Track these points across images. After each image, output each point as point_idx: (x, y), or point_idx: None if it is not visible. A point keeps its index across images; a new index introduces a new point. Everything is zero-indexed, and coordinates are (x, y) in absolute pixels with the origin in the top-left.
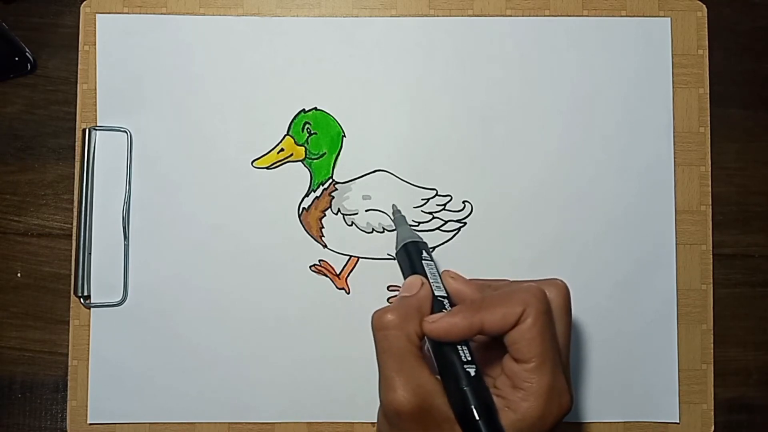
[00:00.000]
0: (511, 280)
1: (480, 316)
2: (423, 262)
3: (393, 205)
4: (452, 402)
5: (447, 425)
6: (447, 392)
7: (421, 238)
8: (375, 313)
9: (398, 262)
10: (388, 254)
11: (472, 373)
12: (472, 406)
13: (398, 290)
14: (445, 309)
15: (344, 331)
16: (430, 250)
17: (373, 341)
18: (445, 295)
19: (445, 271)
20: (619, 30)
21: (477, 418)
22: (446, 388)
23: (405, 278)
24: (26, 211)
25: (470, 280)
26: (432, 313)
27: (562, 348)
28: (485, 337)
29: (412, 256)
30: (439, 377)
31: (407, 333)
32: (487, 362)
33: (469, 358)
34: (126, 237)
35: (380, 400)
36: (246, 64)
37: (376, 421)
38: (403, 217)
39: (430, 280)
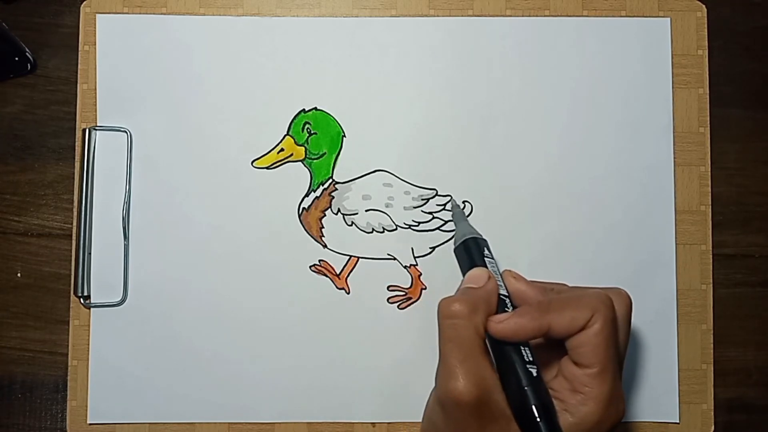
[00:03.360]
0: (565, 284)
1: (548, 318)
2: (485, 259)
3: (452, 200)
4: (511, 400)
5: (503, 421)
6: (506, 390)
7: (482, 235)
8: (443, 301)
9: (457, 257)
10: (388, 254)
11: (534, 374)
12: (533, 406)
13: (398, 290)
14: (507, 308)
15: (344, 331)
16: (489, 247)
17: (438, 329)
18: (507, 294)
19: (506, 270)
20: (619, 30)
21: (538, 418)
22: (505, 385)
23: (464, 273)
24: (26, 211)
25: (531, 281)
26: (497, 310)
27: (621, 356)
28: (543, 338)
29: (472, 252)
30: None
31: (475, 324)
32: (543, 363)
33: (531, 359)
34: (126, 237)
35: (438, 388)
36: (246, 64)
37: (371, 422)
38: (463, 212)
39: None
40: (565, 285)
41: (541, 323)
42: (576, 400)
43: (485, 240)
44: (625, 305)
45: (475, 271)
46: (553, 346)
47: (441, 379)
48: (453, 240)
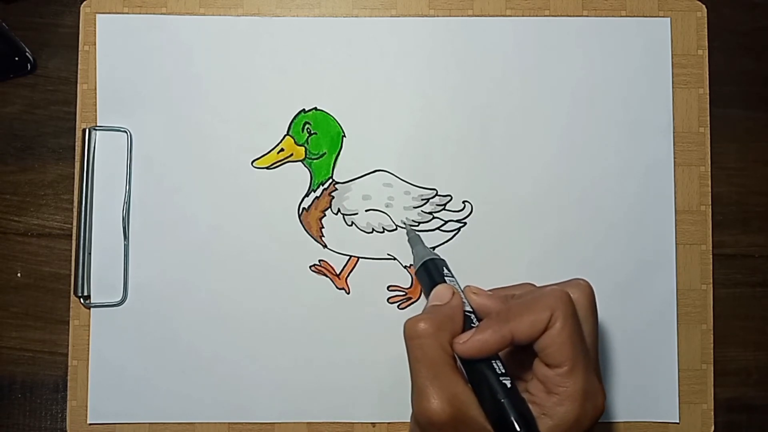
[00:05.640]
0: (531, 283)
1: (509, 328)
2: (446, 278)
3: (407, 225)
4: (489, 414)
5: None
6: (482, 404)
7: (439, 256)
8: (408, 321)
9: (419, 279)
10: (388, 254)
11: (508, 385)
12: (512, 419)
13: (398, 290)
14: (473, 324)
15: (344, 331)
16: (448, 266)
17: (406, 350)
18: (471, 310)
19: (466, 287)
20: (619, 30)
21: (518, 429)
22: (481, 400)
23: (427, 293)
24: (26, 211)
25: (492, 291)
26: (463, 325)
27: (591, 348)
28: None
29: (432, 272)
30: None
31: (441, 342)
32: (517, 367)
33: (503, 370)
34: (126, 237)
35: (413, 409)
36: (246, 64)
37: (371, 422)
38: (418, 236)
39: None
40: (530, 285)
41: (503, 334)
42: (552, 402)
43: (443, 260)
44: (585, 295)
45: (439, 288)
46: (526, 351)
47: (415, 401)
48: (413, 264)
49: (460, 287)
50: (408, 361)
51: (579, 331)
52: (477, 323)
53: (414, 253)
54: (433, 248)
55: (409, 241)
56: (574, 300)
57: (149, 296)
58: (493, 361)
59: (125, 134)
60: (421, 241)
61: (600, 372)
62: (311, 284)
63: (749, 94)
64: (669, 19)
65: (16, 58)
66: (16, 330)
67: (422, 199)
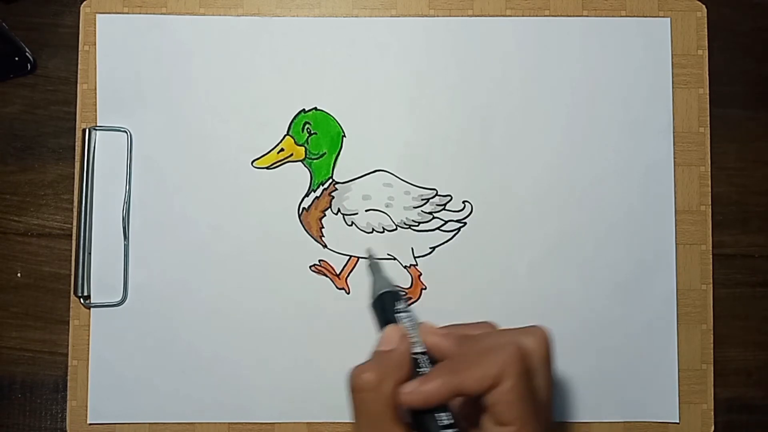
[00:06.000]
0: (492, 325)
1: (457, 380)
2: (398, 314)
3: (368, 251)
4: None
5: None
6: None
7: (398, 287)
8: (352, 370)
9: (373, 313)
10: (388, 254)
11: None
12: None
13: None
14: (420, 368)
15: (344, 331)
16: (404, 298)
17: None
18: (423, 350)
19: (421, 324)
20: (619, 30)
21: None
22: None
23: (380, 330)
24: (26, 211)
25: (447, 329)
26: (411, 370)
27: (544, 403)
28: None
29: (387, 307)
30: None
31: (385, 395)
32: (473, 419)
33: (450, 422)
34: (126, 237)
35: None
36: (246, 64)
37: None
38: (378, 264)
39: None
40: (489, 325)
41: (450, 387)
42: None
43: (400, 293)
44: (541, 346)
45: (387, 331)
46: (479, 401)
47: None
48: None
49: (415, 322)
50: (352, 411)
51: (531, 389)
52: (427, 366)
53: (372, 282)
54: (433, 248)
55: (369, 267)
56: (529, 350)
57: (149, 296)
58: (438, 413)
59: (125, 134)
60: (381, 269)
61: (551, 420)
62: (311, 284)
63: (749, 94)
64: (669, 19)
65: (16, 58)
66: (16, 330)
67: (422, 199)
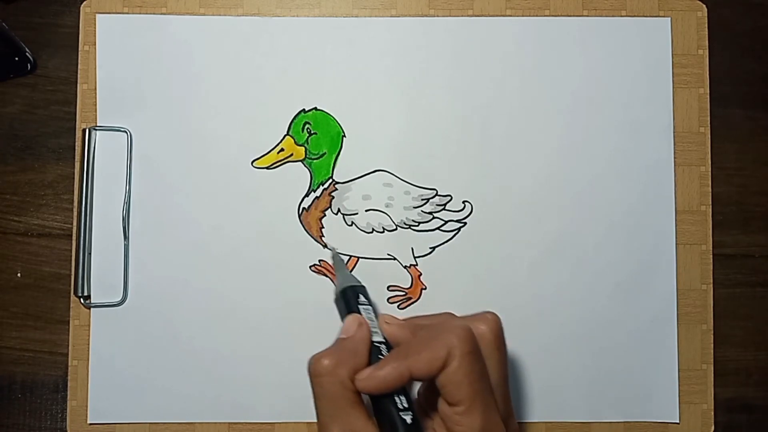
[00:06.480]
0: (450, 313)
1: (407, 364)
2: (360, 306)
3: (332, 248)
4: None
5: None
6: None
7: (360, 282)
8: (312, 358)
9: (337, 307)
10: (388, 254)
11: (408, 421)
12: None
13: (398, 290)
14: (381, 355)
15: None
16: (368, 293)
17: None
18: (383, 340)
19: (381, 315)
20: (619, 30)
21: None
22: None
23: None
24: (26, 211)
25: (406, 320)
26: (369, 357)
27: (497, 383)
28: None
29: (350, 301)
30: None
31: (341, 379)
32: (433, 403)
33: (406, 405)
34: (126, 237)
35: None
36: (246, 64)
37: None
38: (342, 260)
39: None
40: (448, 315)
41: (401, 371)
42: None
43: (363, 287)
44: (491, 330)
45: (348, 320)
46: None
47: None
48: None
49: (375, 315)
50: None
51: (479, 369)
52: (386, 354)
53: (336, 277)
54: (433, 248)
55: (333, 265)
56: (479, 334)
57: (149, 296)
58: (396, 396)
59: (125, 134)
60: (344, 266)
61: (510, 407)
62: (311, 284)
63: (749, 94)
64: (669, 19)
65: (16, 58)
66: (16, 330)
67: (422, 199)
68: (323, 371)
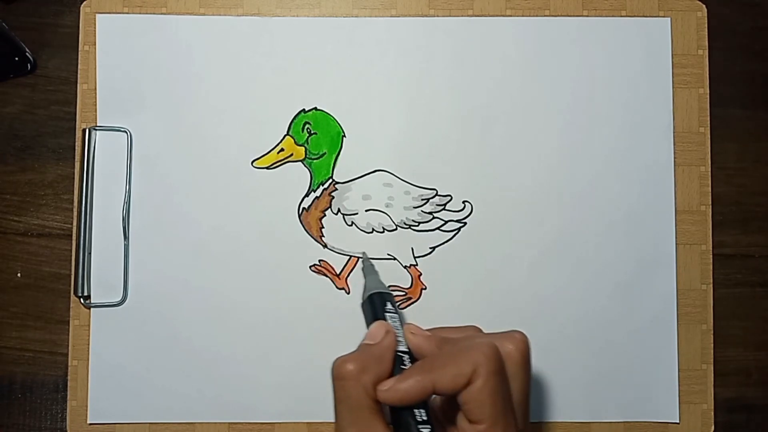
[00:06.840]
0: (477, 329)
1: (431, 378)
2: (386, 314)
3: (363, 253)
4: None
5: None
6: None
7: (388, 289)
8: (336, 360)
9: (363, 312)
10: (388, 254)
11: None
12: None
13: (398, 290)
14: (404, 366)
15: (344, 331)
16: (394, 300)
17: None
18: (406, 350)
19: (406, 325)
20: (619, 30)
21: None
22: None
23: (368, 328)
24: (26, 211)
25: (432, 331)
26: (393, 366)
27: (519, 405)
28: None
29: (376, 306)
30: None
31: (365, 385)
32: (450, 418)
33: (425, 418)
34: (126, 237)
35: None
36: (246, 64)
37: None
38: (372, 265)
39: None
40: (474, 328)
41: (424, 385)
42: None
43: (390, 294)
44: (518, 350)
45: (374, 327)
46: (455, 400)
47: None
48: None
49: (401, 324)
50: (333, 400)
51: (503, 389)
52: (409, 365)
53: (365, 283)
54: (433, 248)
55: (363, 270)
56: (506, 354)
57: (149, 296)
58: (415, 409)
59: (125, 134)
60: (375, 271)
61: (528, 426)
62: (311, 284)
63: (749, 94)
64: (669, 19)
65: (16, 58)
66: (16, 330)
67: (422, 199)
68: (347, 375)
